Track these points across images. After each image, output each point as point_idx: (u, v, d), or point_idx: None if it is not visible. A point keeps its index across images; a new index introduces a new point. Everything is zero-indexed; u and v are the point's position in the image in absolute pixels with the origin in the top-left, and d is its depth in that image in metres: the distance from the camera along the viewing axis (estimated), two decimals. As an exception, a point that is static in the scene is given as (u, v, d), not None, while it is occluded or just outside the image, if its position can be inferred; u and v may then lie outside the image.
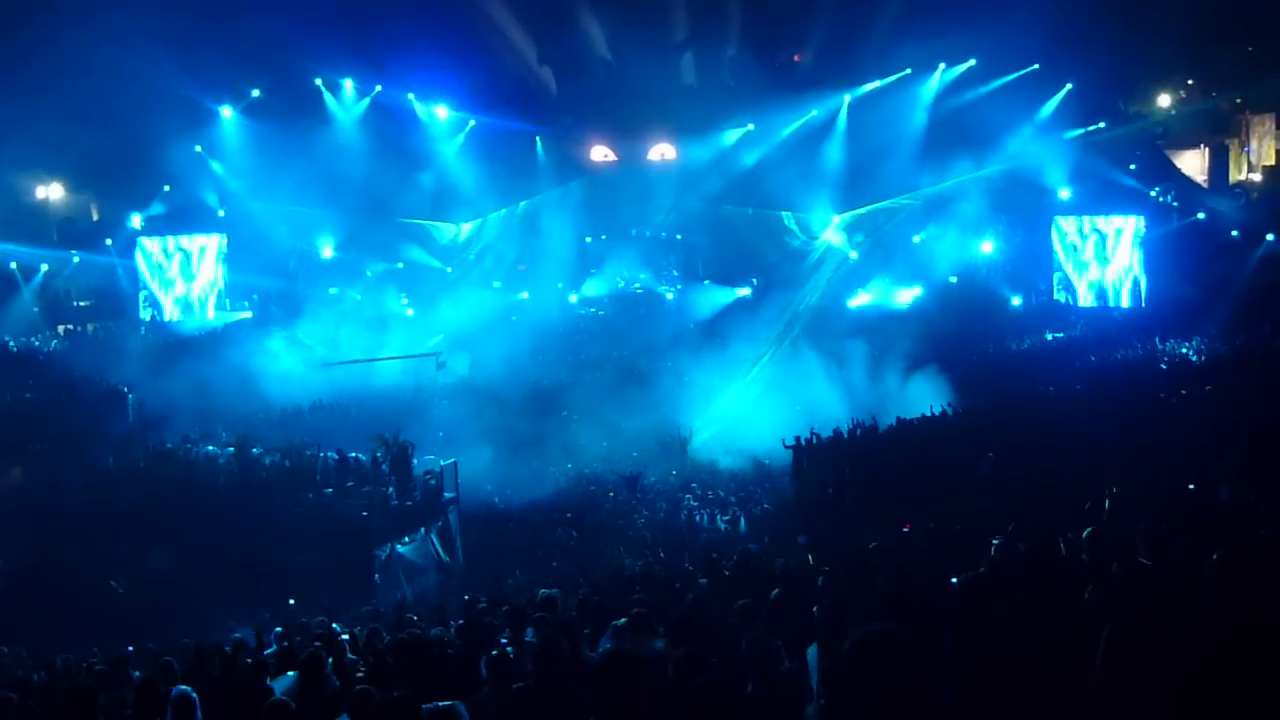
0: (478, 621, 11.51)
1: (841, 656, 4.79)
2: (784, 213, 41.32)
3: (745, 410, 32.74)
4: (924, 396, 28.33)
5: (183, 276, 39.80)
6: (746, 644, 6.84)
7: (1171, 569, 7.36)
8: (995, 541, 9.89)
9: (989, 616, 6.22)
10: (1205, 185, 39.02)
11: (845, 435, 25.02)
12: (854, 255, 40.84)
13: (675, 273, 43.96)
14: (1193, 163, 40.23)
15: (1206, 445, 19.67)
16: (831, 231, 41.00)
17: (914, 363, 32.35)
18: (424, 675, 8.45)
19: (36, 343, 35.79)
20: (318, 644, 10.68)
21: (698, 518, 26.45)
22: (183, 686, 8.38)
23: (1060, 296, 37.98)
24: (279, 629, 14.33)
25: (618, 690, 4.87)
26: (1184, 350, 31.24)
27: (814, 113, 40.11)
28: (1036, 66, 36.63)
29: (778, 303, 38.96)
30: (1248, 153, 39.88)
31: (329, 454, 25.88)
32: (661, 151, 42.52)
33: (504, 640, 9.81)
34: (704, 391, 33.19)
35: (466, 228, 43.19)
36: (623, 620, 8.84)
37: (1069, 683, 5.83)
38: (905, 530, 15.93)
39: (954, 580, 7.62)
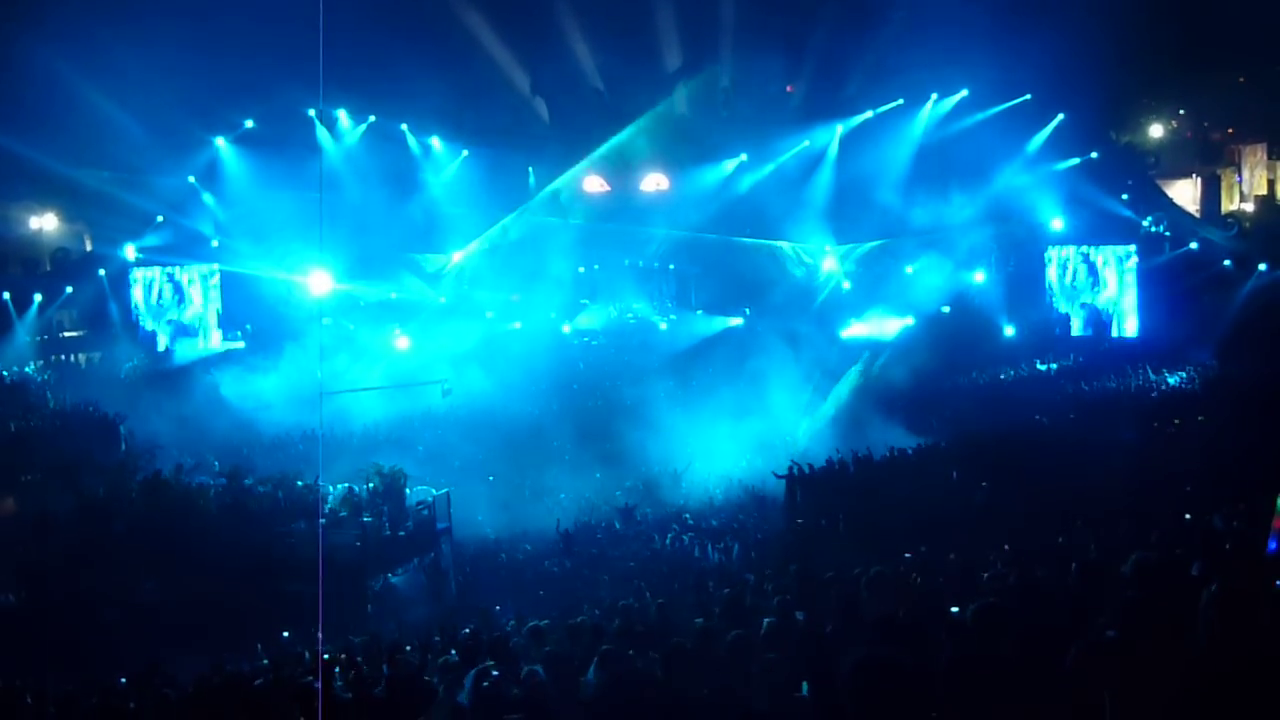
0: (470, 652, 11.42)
1: (839, 682, 4.77)
2: (777, 242, 41.37)
3: (736, 441, 32.66)
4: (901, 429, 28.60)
5: (176, 307, 39.73)
6: (759, 669, 6.79)
7: (1166, 600, 7.33)
8: (985, 575, 9.86)
9: (985, 649, 6.18)
10: (1198, 215, 39.17)
11: (837, 465, 24.96)
12: (847, 285, 40.89)
13: (669, 303, 43.90)
14: (1185, 192, 40.40)
15: (1200, 474, 19.70)
16: (827, 262, 41.07)
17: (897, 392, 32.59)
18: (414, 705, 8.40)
19: (30, 371, 35.67)
20: (309, 678, 10.61)
21: (694, 551, 26.28)
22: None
23: (1054, 326, 37.96)
24: (265, 660, 14.23)
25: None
26: (1171, 381, 31.28)
27: (807, 143, 40.33)
28: (1029, 97, 36.83)
29: (773, 332, 38.88)
30: (1240, 182, 40.11)
31: (321, 484, 25.81)
32: (655, 181, 42.61)
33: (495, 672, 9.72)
34: (696, 422, 33.06)
35: (459, 257, 43.21)
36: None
37: (1064, 715, 5.80)
38: (907, 556, 15.90)
39: (953, 611, 7.60)
